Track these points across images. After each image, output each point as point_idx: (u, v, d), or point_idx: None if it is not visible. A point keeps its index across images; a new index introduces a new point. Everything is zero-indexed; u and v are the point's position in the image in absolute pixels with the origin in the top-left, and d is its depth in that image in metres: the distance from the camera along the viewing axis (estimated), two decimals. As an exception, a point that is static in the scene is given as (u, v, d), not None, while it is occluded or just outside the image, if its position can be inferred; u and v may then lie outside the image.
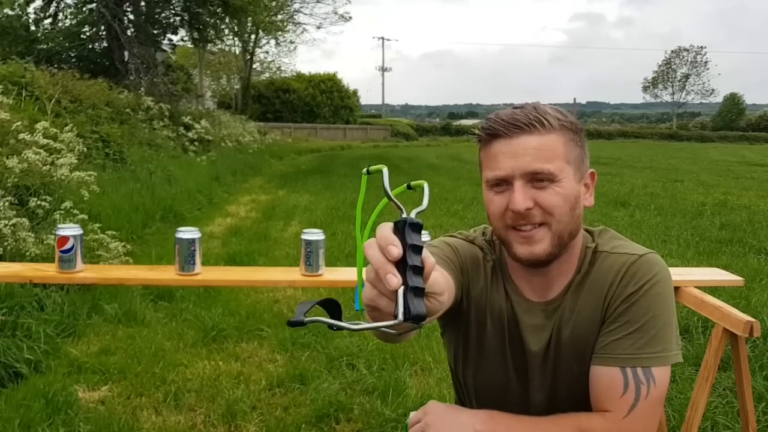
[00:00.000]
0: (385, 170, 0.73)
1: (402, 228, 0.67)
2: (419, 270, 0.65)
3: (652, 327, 1.07)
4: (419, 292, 0.65)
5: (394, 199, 0.72)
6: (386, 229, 0.68)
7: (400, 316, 0.64)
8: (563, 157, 1.08)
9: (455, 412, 1.10)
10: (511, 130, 1.07)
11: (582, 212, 1.13)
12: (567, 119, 1.10)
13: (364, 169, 0.77)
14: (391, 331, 0.71)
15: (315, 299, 0.78)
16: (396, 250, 0.65)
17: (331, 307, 0.78)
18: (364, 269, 0.73)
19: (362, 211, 0.87)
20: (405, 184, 0.77)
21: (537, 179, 1.06)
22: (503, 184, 1.08)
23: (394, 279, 0.64)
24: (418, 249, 0.66)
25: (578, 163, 1.11)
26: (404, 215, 0.68)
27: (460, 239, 1.24)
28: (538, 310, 1.17)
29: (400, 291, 0.64)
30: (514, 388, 1.20)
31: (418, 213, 0.70)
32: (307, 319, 0.72)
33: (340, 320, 0.74)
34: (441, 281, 0.72)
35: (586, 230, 1.20)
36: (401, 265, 0.65)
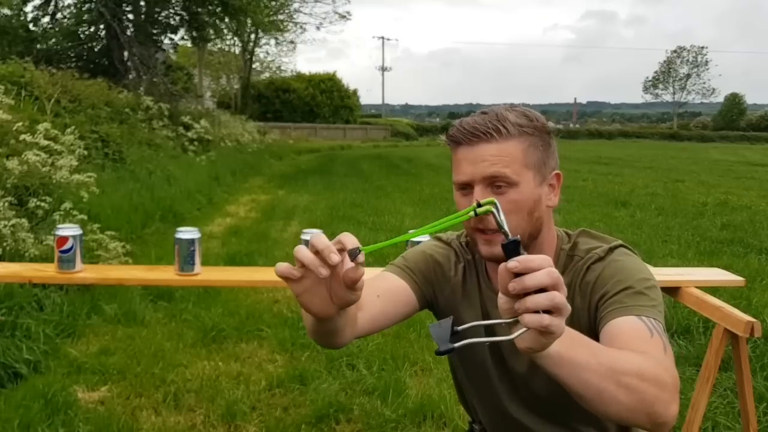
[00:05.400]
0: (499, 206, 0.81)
1: (513, 248, 0.76)
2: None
3: (640, 285, 1.10)
4: None
5: (506, 230, 0.79)
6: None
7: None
8: (521, 162, 1.12)
9: None
10: (470, 138, 1.13)
11: (543, 213, 1.17)
12: (530, 124, 1.14)
13: (475, 205, 0.84)
14: None
15: (444, 320, 0.81)
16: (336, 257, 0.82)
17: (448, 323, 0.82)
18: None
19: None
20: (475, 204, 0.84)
21: (495, 184, 1.12)
22: (467, 187, 1.15)
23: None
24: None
25: (539, 167, 1.15)
26: (511, 237, 0.77)
27: (438, 242, 1.34)
28: None
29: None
30: (495, 378, 1.26)
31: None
32: (458, 344, 0.77)
33: (455, 329, 0.79)
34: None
35: (566, 233, 1.25)
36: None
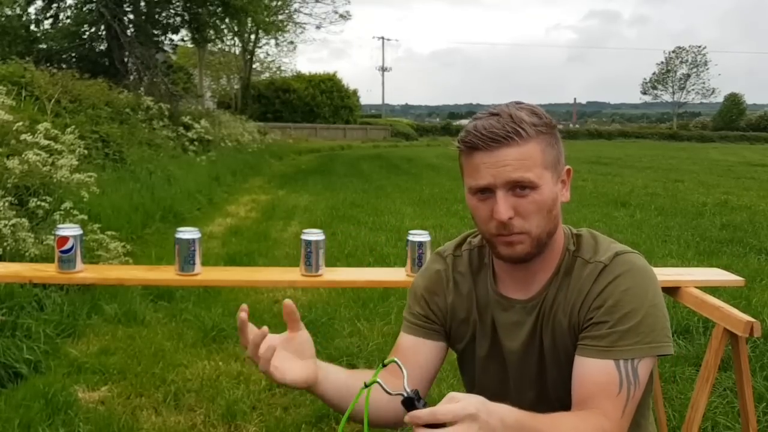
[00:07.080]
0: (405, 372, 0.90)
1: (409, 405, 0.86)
2: None
3: (629, 320, 1.11)
4: None
5: (405, 386, 0.87)
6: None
7: None
8: (541, 164, 1.12)
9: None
10: (489, 143, 1.10)
11: (559, 210, 1.18)
12: (542, 122, 1.13)
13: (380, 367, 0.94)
14: None
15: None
16: None
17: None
18: None
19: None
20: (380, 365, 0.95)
21: (518, 187, 1.11)
22: (487, 191, 1.13)
23: None
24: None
25: (555, 165, 1.15)
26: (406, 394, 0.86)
27: (432, 266, 1.33)
28: (518, 307, 1.22)
29: None
30: (503, 389, 1.25)
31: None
32: None
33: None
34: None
35: (570, 231, 1.24)
36: None
